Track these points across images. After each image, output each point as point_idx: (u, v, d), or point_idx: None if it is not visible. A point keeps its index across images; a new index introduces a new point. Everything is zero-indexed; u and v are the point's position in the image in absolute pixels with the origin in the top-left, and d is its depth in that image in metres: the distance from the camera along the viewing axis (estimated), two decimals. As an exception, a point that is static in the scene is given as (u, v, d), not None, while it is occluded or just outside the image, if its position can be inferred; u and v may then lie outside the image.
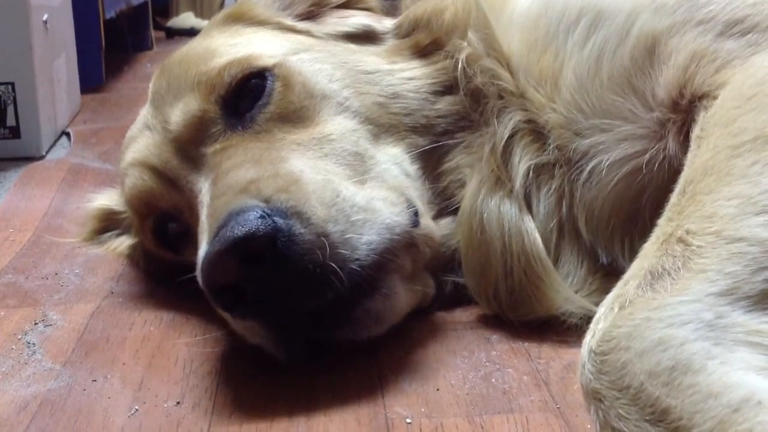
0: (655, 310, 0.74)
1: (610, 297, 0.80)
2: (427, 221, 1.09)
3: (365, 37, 1.23)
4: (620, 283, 0.81)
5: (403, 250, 1.02)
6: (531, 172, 1.10)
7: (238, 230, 0.91)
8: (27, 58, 2.09)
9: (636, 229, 1.06)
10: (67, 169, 1.96)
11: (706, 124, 0.91)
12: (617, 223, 1.07)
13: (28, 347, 1.13)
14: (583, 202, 1.08)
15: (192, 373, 1.05)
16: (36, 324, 1.19)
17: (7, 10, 2.05)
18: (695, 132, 0.93)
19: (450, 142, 1.15)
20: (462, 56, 1.15)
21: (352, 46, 1.21)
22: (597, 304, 0.83)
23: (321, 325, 0.97)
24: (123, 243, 1.34)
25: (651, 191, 1.03)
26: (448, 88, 1.17)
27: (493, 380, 0.99)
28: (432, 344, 1.08)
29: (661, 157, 1.02)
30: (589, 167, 1.06)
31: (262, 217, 0.92)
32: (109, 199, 1.36)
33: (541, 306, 1.08)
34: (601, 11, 1.07)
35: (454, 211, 1.14)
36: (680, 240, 0.79)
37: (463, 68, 1.15)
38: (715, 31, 1.00)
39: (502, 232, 1.08)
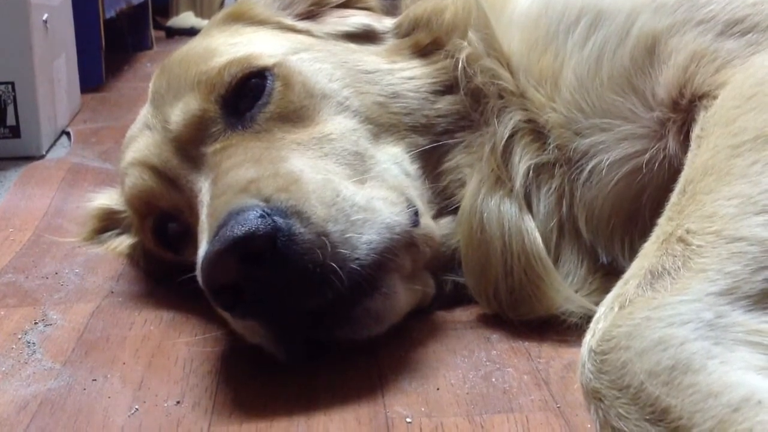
0: (655, 309, 0.74)
1: (610, 296, 0.80)
2: (427, 221, 1.09)
3: (365, 36, 1.23)
4: (620, 283, 0.81)
5: (403, 249, 1.02)
6: (531, 172, 1.10)
7: (238, 230, 0.91)
8: (27, 57, 2.09)
9: (636, 228, 1.06)
10: (67, 169, 1.96)
11: (707, 123, 0.91)
12: (617, 223, 1.07)
13: (28, 347, 1.13)
14: (584, 202, 1.08)
15: (192, 373, 1.05)
16: (36, 323, 1.19)
17: (7, 9, 2.05)
18: (695, 131, 0.93)
19: (450, 141, 1.15)
20: (462, 56, 1.15)
21: (352, 46, 1.21)
22: (597, 304, 0.83)
23: (321, 325, 0.97)
24: (123, 242, 1.34)
25: (651, 191, 1.03)
26: (448, 88, 1.17)
27: (494, 379, 0.99)
28: (432, 343, 1.08)
29: (661, 156, 1.02)
30: (590, 167, 1.06)
31: (261, 216, 0.92)
32: (109, 198, 1.36)
33: (542, 305, 1.08)
34: (601, 11, 1.08)
35: (454, 211, 1.14)
36: (680, 239, 0.79)
37: (464, 68, 1.15)
38: (716, 31, 1.00)
39: (502, 232, 1.08)
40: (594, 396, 0.75)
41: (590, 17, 1.08)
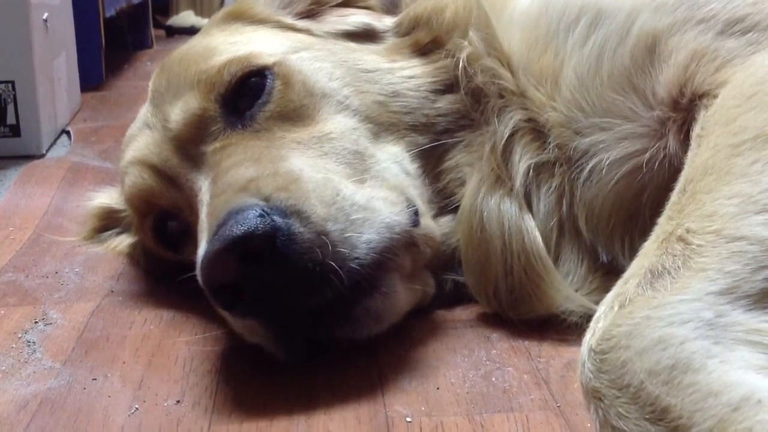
0: (655, 308, 0.74)
1: (610, 296, 0.80)
2: (427, 220, 1.09)
3: (365, 35, 1.23)
4: (620, 282, 0.81)
5: (403, 249, 1.02)
6: (531, 171, 1.10)
7: (238, 229, 0.91)
8: (27, 56, 2.09)
9: (636, 227, 1.06)
10: (67, 168, 1.96)
11: (707, 122, 0.91)
12: (617, 222, 1.07)
13: (28, 346, 1.13)
14: (584, 201, 1.08)
15: (192, 372, 1.05)
16: (36, 323, 1.19)
17: (7, 9, 2.05)
18: (695, 131, 0.93)
19: (450, 140, 1.15)
20: (462, 55, 1.15)
21: (352, 45, 1.21)
22: (597, 303, 0.83)
23: (320, 324, 0.97)
24: (123, 241, 1.34)
25: (651, 190, 1.03)
26: (448, 87, 1.17)
27: (493, 379, 0.99)
28: (432, 343, 1.08)
29: (662, 155, 1.02)
30: (590, 166, 1.06)
31: (261, 215, 0.92)
32: (109, 197, 1.36)
33: (542, 304, 1.08)
34: (602, 10, 1.07)
35: (454, 210, 1.14)
36: (680, 239, 0.79)
37: (464, 67, 1.15)
38: (716, 30, 1.00)
39: (502, 231, 1.08)
40: (594, 395, 0.75)
41: (590, 16, 1.08)
